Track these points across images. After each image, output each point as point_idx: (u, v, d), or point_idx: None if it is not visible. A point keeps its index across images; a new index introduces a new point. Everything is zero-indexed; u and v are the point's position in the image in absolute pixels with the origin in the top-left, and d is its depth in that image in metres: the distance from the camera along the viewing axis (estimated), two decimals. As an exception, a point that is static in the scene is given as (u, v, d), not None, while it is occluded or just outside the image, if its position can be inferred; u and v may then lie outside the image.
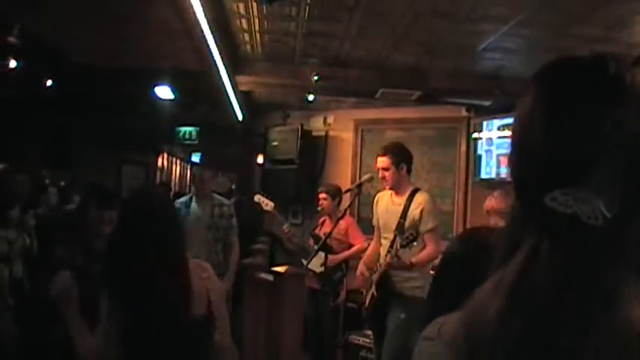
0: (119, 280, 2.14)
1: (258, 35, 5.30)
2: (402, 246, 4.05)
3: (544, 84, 0.76)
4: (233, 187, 9.39)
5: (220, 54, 5.01)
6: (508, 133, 6.38)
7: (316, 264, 5.13)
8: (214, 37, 4.61)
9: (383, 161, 4.30)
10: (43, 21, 5.20)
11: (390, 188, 4.37)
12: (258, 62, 6.14)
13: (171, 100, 7.30)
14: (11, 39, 5.26)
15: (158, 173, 11.65)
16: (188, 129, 9.67)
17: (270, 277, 4.75)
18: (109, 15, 4.96)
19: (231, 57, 5.58)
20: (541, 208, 0.70)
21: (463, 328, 0.74)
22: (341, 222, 5.18)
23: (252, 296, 5.04)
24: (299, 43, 5.42)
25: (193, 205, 5.08)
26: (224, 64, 5.31)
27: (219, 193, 5.53)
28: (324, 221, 5.78)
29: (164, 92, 7.06)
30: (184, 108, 8.15)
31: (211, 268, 2.40)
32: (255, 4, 4.50)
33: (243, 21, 4.94)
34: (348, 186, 5.85)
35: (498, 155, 6.60)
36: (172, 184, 11.97)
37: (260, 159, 8.45)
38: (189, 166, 11.73)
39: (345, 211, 5.07)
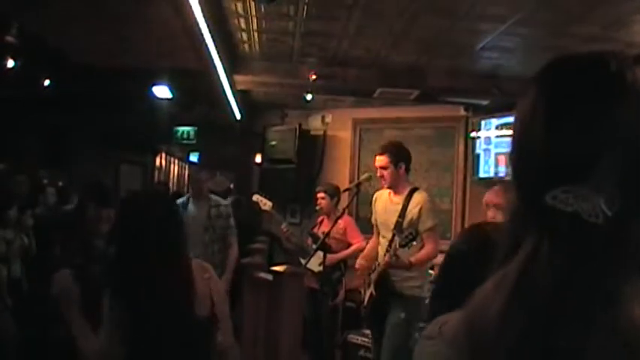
0: (122, 281, 2.14)
1: (256, 34, 5.30)
2: (402, 245, 4.05)
3: (545, 82, 0.76)
4: (231, 186, 9.38)
5: (218, 53, 5.01)
6: (506, 132, 6.43)
7: (315, 263, 5.13)
8: (212, 37, 4.60)
9: (381, 160, 4.30)
10: (40, 20, 5.19)
11: (389, 187, 4.37)
12: (256, 61, 6.14)
13: (169, 99, 7.29)
14: (9, 38, 5.25)
15: (156, 173, 11.63)
16: (186, 128, 9.65)
17: (270, 277, 4.75)
18: (106, 14, 4.95)
19: (230, 56, 5.58)
20: (542, 206, 0.70)
21: (464, 327, 0.74)
22: (339, 221, 5.18)
23: (251, 296, 5.04)
24: (297, 42, 5.42)
25: (190, 206, 5.07)
26: (222, 64, 5.31)
27: (217, 193, 5.53)
28: (322, 220, 5.77)
29: (162, 92, 7.05)
30: (182, 107, 8.14)
31: (212, 269, 2.40)
32: (253, 4, 4.49)
33: (242, 20, 4.94)
34: (347, 185, 5.85)
35: (496, 154, 6.60)
36: (170, 184, 11.96)
37: (258, 158, 8.44)
38: (187, 166, 11.72)
39: (344, 210, 5.07)
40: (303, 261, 5.25)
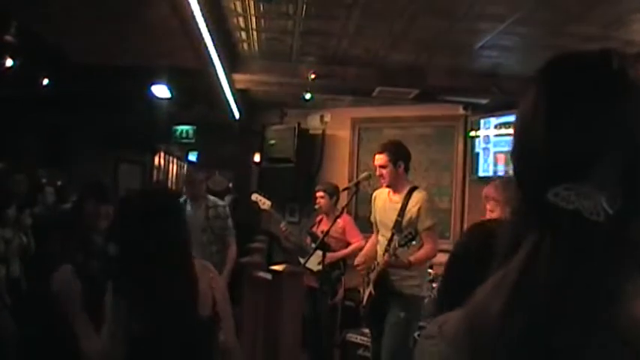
0: (124, 281, 2.13)
1: (255, 33, 5.29)
2: (401, 245, 4.05)
3: (546, 80, 0.76)
4: (230, 185, 9.38)
5: (217, 52, 5.00)
6: (505, 130, 6.43)
7: (314, 262, 5.13)
8: (211, 36, 4.60)
9: (381, 159, 4.30)
10: (39, 19, 5.18)
11: (388, 186, 4.37)
12: (255, 60, 6.13)
13: (168, 98, 7.28)
14: (8, 37, 5.24)
15: (155, 172, 11.62)
16: (185, 127, 9.64)
17: (269, 276, 4.75)
18: (105, 13, 4.94)
19: (229, 55, 5.57)
20: (543, 204, 0.70)
21: (465, 326, 0.74)
22: (339, 220, 5.18)
23: (251, 295, 5.03)
24: (296, 41, 5.41)
25: (187, 207, 5.05)
26: (221, 63, 5.30)
27: (215, 192, 5.51)
28: (321, 219, 5.77)
29: (161, 91, 7.05)
30: (181, 106, 8.13)
31: (214, 268, 2.39)
32: (252, 2, 4.49)
33: (240, 19, 4.93)
34: (346, 184, 5.85)
35: (496, 153, 6.61)
36: (169, 183, 11.95)
37: (257, 157, 8.43)
38: (186, 165, 11.71)
39: (343, 209, 5.06)
40: (302, 260, 5.25)
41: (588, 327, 0.66)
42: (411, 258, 4.10)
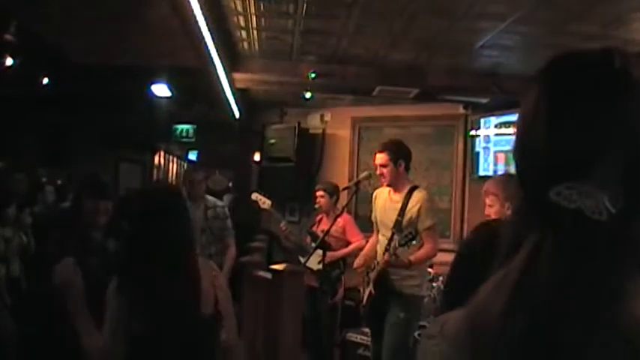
0: (125, 280, 2.13)
1: (255, 32, 5.28)
2: (401, 245, 4.05)
3: (548, 80, 0.76)
4: (230, 185, 9.38)
5: (217, 51, 5.00)
6: (505, 130, 6.43)
7: (314, 262, 5.13)
8: (212, 35, 4.59)
9: (381, 158, 4.30)
10: (39, 19, 5.18)
11: (388, 185, 4.37)
12: (255, 60, 6.12)
13: (168, 97, 7.28)
14: (7, 37, 5.24)
15: (155, 171, 11.63)
16: (185, 127, 9.65)
17: (269, 275, 4.75)
18: (105, 13, 4.94)
19: (229, 54, 5.57)
20: (545, 203, 0.69)
21: (466, 325, 0.74)
22: (339, 220, 5.17)
23: (251, 294, 5.03)
24: (296, 40, 5.41)
25: None
26: (221, 62, 5.30)
27: (215, 192, 5.50)
28: (321, 219, 5.77)
29: (161, 90, 7.05)
30: (181, 106, 8.13)
31: (216, 266, 2.39)
32: (252, 1, 4.49)
33: (241, 18, 4.92)
34: (346, 183, 5.85)
35: (496, 152, 6.61)
36: (169, 182, 11.95)
37: (257, 157, 8.43)
38: (186, 164, 11.72)
39: (343, 208, 5.06)
40: (302, 259, 5.25)
41: (590, 326, 0.66)
42: (411, 257, 4.10)
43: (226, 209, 5.27)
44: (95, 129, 9.08)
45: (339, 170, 7.85)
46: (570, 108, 0.71)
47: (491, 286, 0.73)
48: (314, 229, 5.73)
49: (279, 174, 7.89)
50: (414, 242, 4.06)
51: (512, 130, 6.34)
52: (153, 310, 2.06)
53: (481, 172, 6.74)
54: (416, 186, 4.37)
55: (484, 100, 6.54)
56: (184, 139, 9.77)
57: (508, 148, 6.41)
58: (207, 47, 4.78)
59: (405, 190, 4.29)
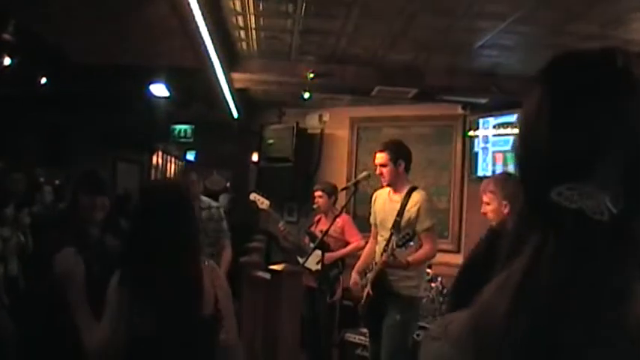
0: (126, 278, 2.12)
1: (253, 32, 5.28)
2: (399, 245, 4.05)
3: (548, 80, 0.76)
4: (228, 185, 9.37)
5: (216, 51, 4.99)
6: (504, 130, 6.43)
7: (312, 262, 5.13)
8: (210, 35, 4.59)
9: (381, 157, 4.30)
10: (39, 19, 5.17)
11: (388, 185, 4.36)
12: (253, 59, 6.12)
13: (166, 97, 7.27)
14: (6, 36, 5.23)
15: (153, 171, 11.63)
16: (183, 127, 9.64)
17: (267, 276, 4.75)
18: (105, 13, 4.93)
19: (227, 54, 5.56)
20: (546, 203, 0.69)
21: (469, 327, 0.74)
22: (337, 220, 5.17)
23: (250, 294, 5.03)
24: (295, 40, 5.40)
25: None
26: (220, 62, 5.29)
27: (213, 192, 5.48)
28: (319, 219, 5.77)
29: (159, 90, 7.04)
30: (180, 106, 8.12)
31: (217, 266, 2.38)
32: (251, 1, 4.48)
33: (239, 18, 4.92)
34: (344, 184, 5.85)
35: (494, 153, 6.61)
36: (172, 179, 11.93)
37: (255, 157, 8.43)
38: (184, 164, 11.72)
39: (342, 209, 5.06)
40: (300, 260, 5.24)
41: (592, 326, 0.66)
42: (410, 258, 4.10)
43: (221, 210, 5.24)
44: (94, 129, 9.07)
45: (338, 170, 7.85)
46: (571, 108, 0.71)
47: (495, 288, 0.73)
48: (312, 229, 5.73)
49: (278, 174, 7.88)
50: (411, 243, 4.05)
51: (510, 130, 6.34)
52: (151, 310, 2.05)
53: (480, 173, 6.74)
54: (415, 187, 4.37)
55: (483, 101, 6.53)
56: (182, 139, 9.76)
57: (507, 148, 6.41)
58: (205, 47, 4.78)
59: (405, 191, 4.29)
